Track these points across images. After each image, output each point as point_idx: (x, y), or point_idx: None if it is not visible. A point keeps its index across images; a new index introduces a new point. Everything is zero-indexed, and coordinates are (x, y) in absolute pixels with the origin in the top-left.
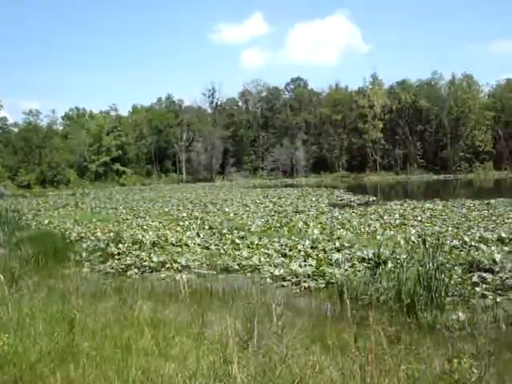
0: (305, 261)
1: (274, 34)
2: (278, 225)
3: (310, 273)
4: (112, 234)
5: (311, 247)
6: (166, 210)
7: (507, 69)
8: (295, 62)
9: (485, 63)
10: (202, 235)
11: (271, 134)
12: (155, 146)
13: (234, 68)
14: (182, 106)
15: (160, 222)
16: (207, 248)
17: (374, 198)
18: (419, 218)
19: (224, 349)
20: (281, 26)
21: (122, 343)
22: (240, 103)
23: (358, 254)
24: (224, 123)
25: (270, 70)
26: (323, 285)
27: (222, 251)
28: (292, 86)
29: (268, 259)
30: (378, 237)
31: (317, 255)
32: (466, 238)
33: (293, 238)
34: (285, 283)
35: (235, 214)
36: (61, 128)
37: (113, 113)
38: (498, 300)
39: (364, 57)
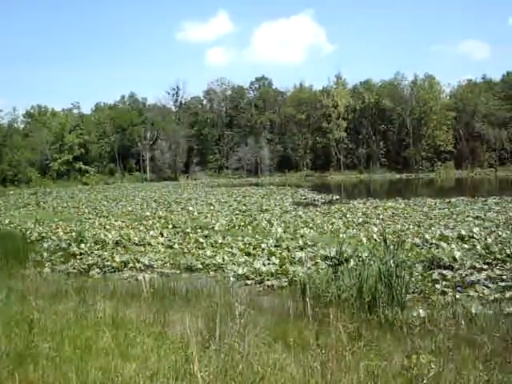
0: (268, 259)
1: (240, 32)
2: (242, 224)
3: (273, 271)
4: (74, 233)
5: (275, 246)
6: (130, 209)
7: (469, 70)
8: (260, 61)
9: (449, 64)
10: (165, 234)
11: (236, 132)
12: (119, 145)
13: (199, 67)
14: (146, 105)
15: (123, 222)
16: (171, 247)
17: (338, 197)
18: (381, 217)
19: (186, 348)
20: (246, 24)
21: (82, 344)
22: (205, 102)
23: (321, 252)
24: (188, 122)
25: (235, 68)
26: (286, 283)
27: (185, 250)
28: (257, 85)
29: (232, 258)
30: (341, 235)
31: (280, 254)
32: (427, 236)
33: (257, 236)
34: (248, 282)
35: (199, 213)
36: (22, 126)
37: (75, 111)
38: (457, 296)
39: (328, 57)
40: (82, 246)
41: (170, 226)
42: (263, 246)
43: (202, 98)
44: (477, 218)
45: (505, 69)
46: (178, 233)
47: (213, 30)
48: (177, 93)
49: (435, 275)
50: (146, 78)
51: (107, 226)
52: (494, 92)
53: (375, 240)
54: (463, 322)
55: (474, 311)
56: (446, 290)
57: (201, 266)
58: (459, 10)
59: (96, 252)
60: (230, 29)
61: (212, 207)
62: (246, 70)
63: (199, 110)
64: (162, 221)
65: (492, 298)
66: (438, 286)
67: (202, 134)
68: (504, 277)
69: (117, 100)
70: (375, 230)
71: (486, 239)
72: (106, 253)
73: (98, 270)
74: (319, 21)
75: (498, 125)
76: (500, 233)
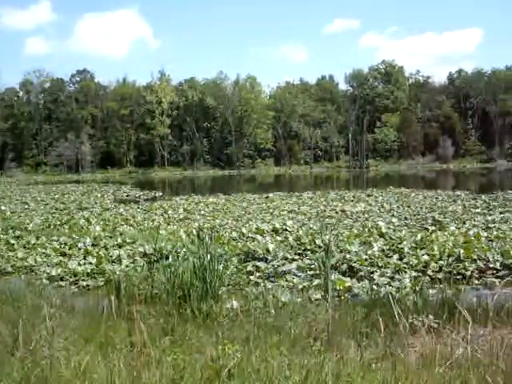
0: (85, 259)
1: (62, 22)
2: (59, 223)
3: (89, 271)
4: None
5: (92, 245)
6: None
7: (288, 72)
8: (84, 54)
9: (269, 66)
10: None
11: (55, 127)
12: None
13: (17, 56)
14: None
15: None
16: None
17: (161, 194)
18: (202, 213)
19: None
20: (69, 15)
21: None
22: (21, 94)
23: (140, 249)
24: (2, 115)
25: (56, 60)
26: (103, 282)
27: None
28: (78, 78)
29: (45, 259)
30: (162, 231)
31: (97, 252)
32: (244, 230)
33: (73, 235)
34: (62, 283)
35: (12, 213)
36: None
37: None
38: (269, 287)
39: (154, 52)
40: None
41: None
42: (80, 245)
43: (18, 90)
44: (291, 211)
45: (320, 73)
46: None
47: (33, 18)
48: None
49: (250, 267)
50: None
51: None
52: (309, 94)
53: (194, 235)
54: (273, 311)
55: (283, 299)
56: (259, 281)
57: (11, 269)
58: (280, 13)
59: None
60: (51, 18)
61: (27, 206)
62: (69, 63)
63: (15, 103)
64: None
65: (301, 286)
66: (252, 277)
67: (17, 127)
68: (313, 266)
69: None
70: (195, 225)
71: (298, 231)
72: None
73: None
74: (146, 16)
75: (313, 125)
76: (311, 225)
